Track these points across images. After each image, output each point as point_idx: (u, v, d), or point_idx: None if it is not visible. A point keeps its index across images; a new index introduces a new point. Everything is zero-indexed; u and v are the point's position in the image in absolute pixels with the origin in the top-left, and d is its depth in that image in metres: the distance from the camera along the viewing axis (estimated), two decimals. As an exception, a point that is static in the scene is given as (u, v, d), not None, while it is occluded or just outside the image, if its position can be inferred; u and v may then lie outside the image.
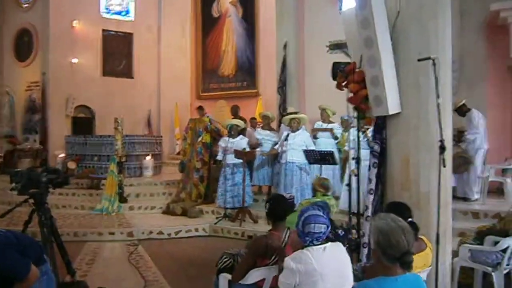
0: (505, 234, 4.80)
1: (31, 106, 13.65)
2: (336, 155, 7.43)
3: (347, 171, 7.50)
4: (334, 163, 7.37)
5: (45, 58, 13.16)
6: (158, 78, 14.63)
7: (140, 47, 14.39)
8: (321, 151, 7.36)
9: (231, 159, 8.03)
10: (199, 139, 9.00)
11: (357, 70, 4.42)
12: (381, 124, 4.36)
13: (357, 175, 5.46)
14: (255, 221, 7.83)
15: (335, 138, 8.21)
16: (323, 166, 7.54)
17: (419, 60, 3.86)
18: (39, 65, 13.36)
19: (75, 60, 13.45)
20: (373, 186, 4.31)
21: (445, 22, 4.24)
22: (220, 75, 14.31)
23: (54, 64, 13.02)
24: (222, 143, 8.20)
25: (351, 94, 4.98)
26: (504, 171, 8.06)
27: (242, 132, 8.46)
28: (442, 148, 3.97)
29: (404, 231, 2.36)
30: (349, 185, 5.51)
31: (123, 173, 9.19)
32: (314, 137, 8.23)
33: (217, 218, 8.02)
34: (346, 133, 7.94)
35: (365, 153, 7.26)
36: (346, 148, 7.72)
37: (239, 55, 13.98)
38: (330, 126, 8.33)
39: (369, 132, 7.46)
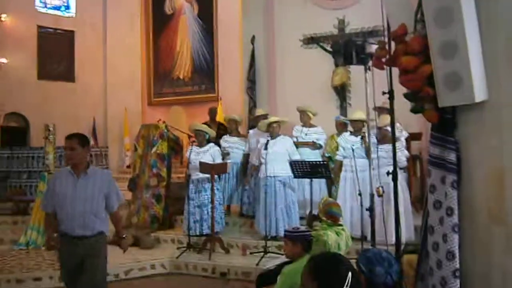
0: None
1: None
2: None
3: (342, 187, 5.82)
4: (328, 176, 5.64)
5: (-35, 58, 10.62)
6: (104, 82, 12.33)
7: (83, 47, 12.08)
8: (312, 161, 5.60)
9: (195, 173, 6.11)
10: (154, 149, 6.99)
11: (410, 34, 2.68)
12: (450, 120, 2.64)
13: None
14: (227, 251, 5.93)
15: (319, 147, 6.48)
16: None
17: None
18: (-41, 66, 10.79)
19: (4, 61, 10.98)
20: (456, 219, 2.55)
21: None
22: (174, 78, 12.30)
23: (-23, 65, 10.51)
24: (187, 153, 6.24)
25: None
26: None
27: (216, 140, 6.58)
28: None
29: None
30: (371, 209, 3.76)
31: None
32: (294, 146, 6.41)
33: (178, 249, 6.03)
34: (338, 138, 6.24)
35: (361, 163, 5.70)
36: (338, 157, 6.00)
37: (195, 56, 12.05)
38: (312, 130, 6.59)
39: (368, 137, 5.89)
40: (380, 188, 3.66)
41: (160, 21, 12.41)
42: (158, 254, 5.95)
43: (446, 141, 2.63)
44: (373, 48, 3.56)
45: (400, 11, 2.81)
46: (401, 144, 5.64)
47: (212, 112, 7.98)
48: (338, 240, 3.60)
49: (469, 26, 2.40)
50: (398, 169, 5.49)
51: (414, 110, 2.75)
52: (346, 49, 3.62)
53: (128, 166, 11.49)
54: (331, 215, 3.77)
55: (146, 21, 12.56)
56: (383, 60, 2.87)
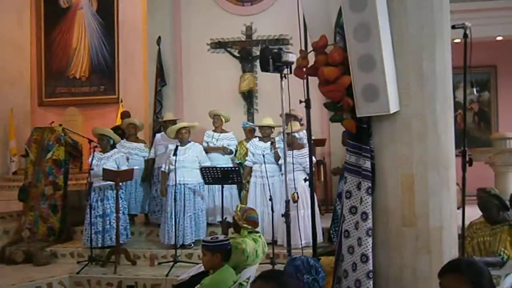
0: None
1: None
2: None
3: (252, 192, 5.87)
4: (239, 182, 5.64)
5: None
6: (-15, 79, 10.99)
7: (-41, 38, 10.64)
8: (223, 167, 5.56)
9: (97, 181, 5.71)
10: (49, 155, 6.38)
11: (330, 46, 2.77)
12: (366, 130, 2.79)
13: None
14: (133, 262, 5.62)
15: (230, 152, 6.45)
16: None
17: (453, 27, 2.41)
18: None
19: None
20: (370, 223, 2.69)
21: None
22: (69, 77, 11.38)
23: None
24: (92, 159, 5.78)
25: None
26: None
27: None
28: (468, 162, 2.60)
29: None
30: (287, 215, 3.82)
31: None
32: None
33: (78, 263, 5.57)
34: (247, 144, 6.28)
35: (271, 169, 5.81)
36: (248, 163, 6.05)
37: (93, 55, 11.27)
38: (223, 136, 6.55)
39: (277, 143, 6.02)
40: (295, 194, 3.75)
41: (54, 15, 11.40)
42: (56, 270, 5.42)
43: (361, 149, 2.77)
44: (289, 56, 3.64)
45: (320, 22, 2.90)
46: (307, 150, 5.86)
47: (126, 116, 7.54)
48: (256, 247, 3.60)
49: (385, 42, 2.56)
50: (304, 175, 5.75)
51: (333, 119, 2.86)
52: (263, 56, 3.64)
53: (15, 173, 10.37)
54: (251, 221, 3.75)
55: (37, 13, 11.46)
56: (304, 69, 2.92)
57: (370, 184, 2.70)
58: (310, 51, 2.87)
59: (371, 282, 2.67)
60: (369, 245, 2.70)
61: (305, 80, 3.31)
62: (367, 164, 2.71)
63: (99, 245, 5.68)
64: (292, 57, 3.62)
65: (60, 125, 6.71)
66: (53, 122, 7.25)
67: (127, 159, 6.22)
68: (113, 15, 10.91)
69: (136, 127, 6.79)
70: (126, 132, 6.78)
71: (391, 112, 2.59)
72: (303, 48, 3.25)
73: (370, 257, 2.69)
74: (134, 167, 6.04)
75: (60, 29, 11.42)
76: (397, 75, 2.66)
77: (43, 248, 5.85)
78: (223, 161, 6.24)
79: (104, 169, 5.55)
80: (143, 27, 9.40)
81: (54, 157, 6.35)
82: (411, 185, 2.67)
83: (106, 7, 11.03)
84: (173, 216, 5.50)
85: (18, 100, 11.17)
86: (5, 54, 10.98)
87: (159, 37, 8.20)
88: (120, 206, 5.68)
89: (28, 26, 11.55)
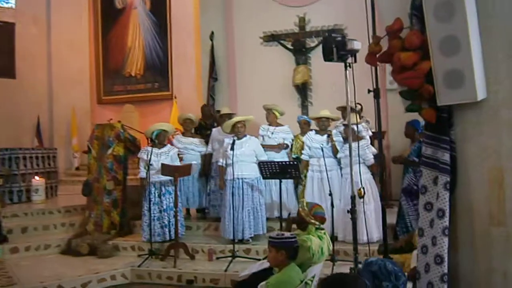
0: None
1: None
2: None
3: (309, 187, 5.68)
4: (298, 176, 5.45)
5: None
6: (48, 79, 11.46)
7: (24, 41, 11.15)
8: (281, 162, 5.40)
9: (157, 176, 5.73)
10: (109, 151, 6.49)
11: (406, 29, 2.53)
12: (446, 119, 2.52)
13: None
14: (192, 256, 5.60)
15: (285, 147, 6.28)
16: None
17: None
18: None
19: None
20: (447, 221, 2.44)
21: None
22: (125, 75, 11.67)
23: None
24: (143, 155, 5.83)
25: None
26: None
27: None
28: None
29: None
30: (353, 211, 3.61)
31: (1, 201, 6.31)
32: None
33: (139, 256, 5.63)
34: (303, 137, 6.09)
35: (329, 163, 5.59)
36: (304, 156, 5.86)
37: (147, 53, 11.50)
38: (278, 129, 6.38)
39: (334, 136, 5.79)
40: (362, 189, 3.53)
41: (110, 15, 11.74)
42: (118, 263, 5.50)
43: (440, 140, 2.51)
44: (354, 44, 3.41)
45: (394, 4, 2.66)
46: (367, 141, 5.59)
47: (207, 110, 7.46)
48: (321, 244, 3.42)
49: (471, 20, 2.28)
50: (365, 168, 5.47)
51: (410, 109, 2.61)
52: (326, 45, 3.43)
53: (77, 168, 10.79)
54: (318, 216, 3.55)
55: (94, 15, 11.84)
56: (377, 55, 2.69)
57: (448, 179, 2.44)
58: (384, 36, 2.63)
59: (445, 286, 2.41)
60: (445, 245, 2.44)
61: (373, 68, 3.09)
62: (446, 157, 2.45)
63: (163, 239, 5.72)
64: (357, 44, 3.40)
65: (119, 121, 6.80)
66: (111, 119, 7.37)
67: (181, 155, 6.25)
68: (165, 13, 11.05)
69: (192, 122, 6.74)
70: (183, 127, 6.72)
71: (478, 99, 2.32)
72: (371, 35, 3.01)
73: (446, 258, 2.43)
74: (194, 163, 6.02)
75: (116, 29, 11.73)
76: (484, 58, 2.38)
77: (105, 241, 5.97)
78: (279, 155, 6.09)
79: (163, 164, 5.55)
80: (195, 23, 9.43)
81: (114, 153, 6.45)
82: (500, 179, 2.38)
83: (159, 6, 11.18)
84: (231, 211, 5.42)
85: (79, 98, 11.63)
86: (66, 54, 11.45)
87: (212, 32, 8.17)
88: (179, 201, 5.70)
89: (87, 27, 11.97)
